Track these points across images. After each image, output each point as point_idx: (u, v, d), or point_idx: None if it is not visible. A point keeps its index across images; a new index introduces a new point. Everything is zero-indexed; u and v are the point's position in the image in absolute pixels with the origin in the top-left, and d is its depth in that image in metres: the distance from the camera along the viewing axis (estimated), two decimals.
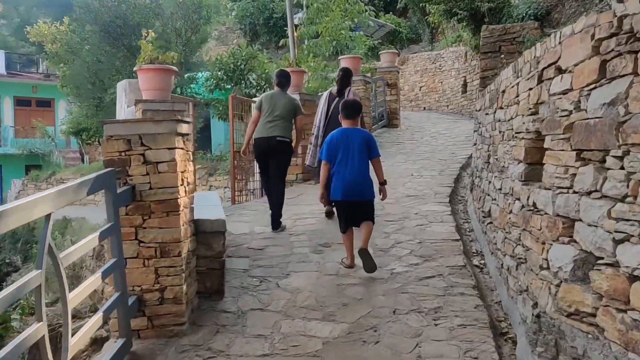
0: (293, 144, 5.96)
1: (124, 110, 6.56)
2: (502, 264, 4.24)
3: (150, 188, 3.40)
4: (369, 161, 4.59)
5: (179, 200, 3.45)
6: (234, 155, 7.80)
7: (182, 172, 3.56)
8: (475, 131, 6.79)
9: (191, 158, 3.80)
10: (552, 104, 2.94)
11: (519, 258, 3.65)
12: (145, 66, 5.80)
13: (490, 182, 5.18)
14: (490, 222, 4.98)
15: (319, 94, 8.83)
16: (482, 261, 4.91)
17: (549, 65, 3.04)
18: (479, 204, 5.85)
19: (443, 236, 5.26)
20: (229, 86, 12.12)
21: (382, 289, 4.12)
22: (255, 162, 8.37)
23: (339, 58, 10.99)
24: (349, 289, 4.16)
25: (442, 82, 17.01)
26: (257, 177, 8.40)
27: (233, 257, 4.81)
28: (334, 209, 5.11)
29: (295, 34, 12.05)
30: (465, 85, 15.76)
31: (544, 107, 3.11)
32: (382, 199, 4.80)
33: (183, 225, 3.52)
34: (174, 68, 5.99)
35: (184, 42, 13.56)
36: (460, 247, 4.99)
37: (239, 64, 11.95)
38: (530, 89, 3.43)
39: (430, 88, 17.56)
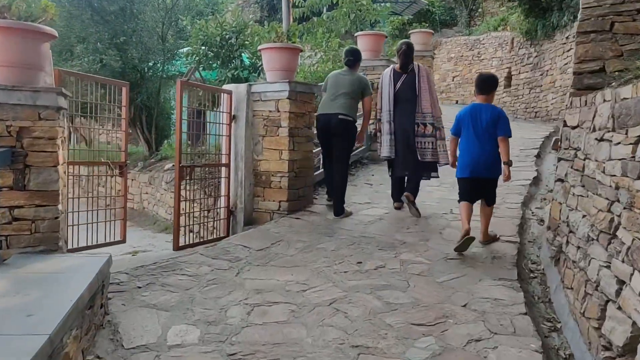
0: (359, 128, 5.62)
1: None
2: None
3: None
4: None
5: None
6: (181, 173, 5.00)
7: None
8: (565, 159, 4.09)
9: None
10: None
11: None
12: None
13: (626, 283, 2.58)
14: None
15: (319, 84, 6.17)
16: None
17: None
18: (580, 301, 3.20)
19: None
20: (215, 65, 9.41)
21: None
22: (231, 171, 5.83)
23: (355, 35, 8.24)
24: None
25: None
26: (224, 202, 5.77)
27: None
28: (404, 202, 5.38)
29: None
30: (509, 77, 13.18)
31: None
32: (505, 180, 4.48)
33: None
34: (45, 28, 3.32)
35: (169, 8, 10.89)
36: None
37: (228, 37, 9.23)
38: None
39: (466, 79, 14.92)
